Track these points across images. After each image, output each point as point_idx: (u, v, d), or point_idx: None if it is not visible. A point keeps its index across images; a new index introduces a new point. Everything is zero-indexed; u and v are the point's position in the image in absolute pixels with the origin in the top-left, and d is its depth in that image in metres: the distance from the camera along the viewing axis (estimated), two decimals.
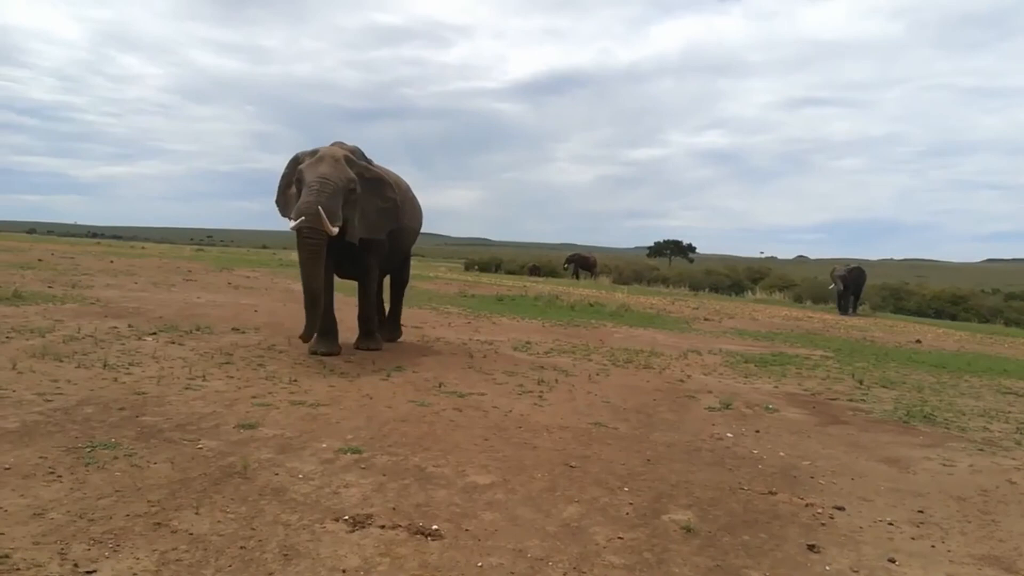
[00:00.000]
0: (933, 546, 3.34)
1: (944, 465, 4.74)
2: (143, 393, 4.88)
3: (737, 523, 3.46)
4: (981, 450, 5.21)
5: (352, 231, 6.91)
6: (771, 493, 3.93)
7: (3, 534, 2.70)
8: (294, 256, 6.78)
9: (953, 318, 26.74)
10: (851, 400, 6.88)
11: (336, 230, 6.55)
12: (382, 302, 8.43)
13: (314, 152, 7.01)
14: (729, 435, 5.17)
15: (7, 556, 2.53)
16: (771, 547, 3.20)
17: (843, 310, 20.80)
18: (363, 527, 3.05)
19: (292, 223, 6.54)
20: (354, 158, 7.09)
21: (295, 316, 6.85)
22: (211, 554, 2.70)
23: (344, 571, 2.66)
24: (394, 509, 3.27)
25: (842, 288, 20.67)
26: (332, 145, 7.19)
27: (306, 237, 6.49)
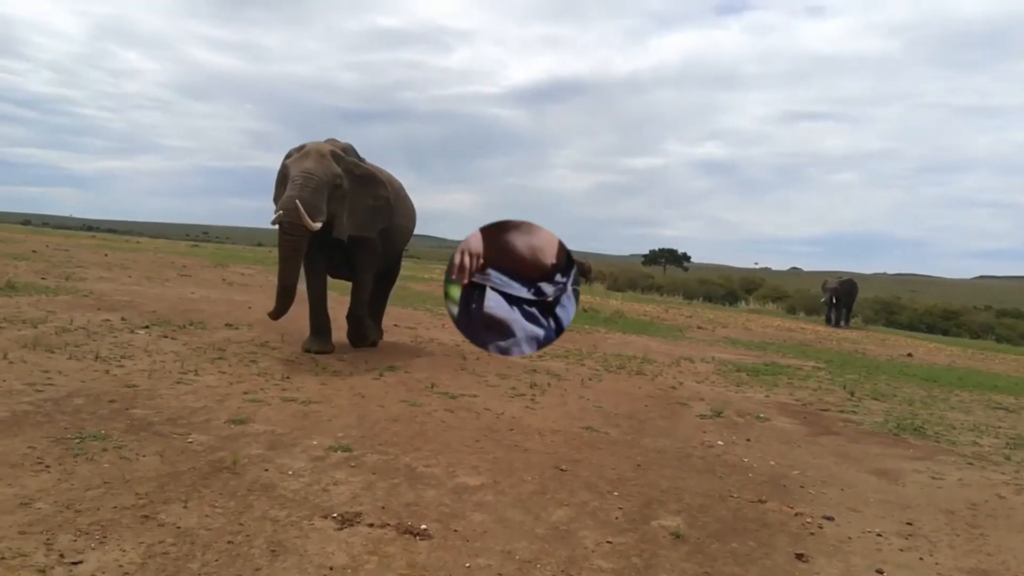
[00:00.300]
0: (921, 558, 3.35)
1: (933, 478, 4.75)
2: (134, 386, 4.86)
3: (726, 530, 3.46)
4: (970, 464, 5.23)
5: (340, 228, 6.81)
6: (760, 501, 3.93)
7: None
8: None
9: (945, 333, 26.89)
10: (842, 411, 6.90)
11: (318, 225, 6.40)
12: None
13: (301, 147, 6.91)
14: (720, 443, 5.17)
15: None
16: (759, 555, 3.20)
17: (832, 322, 20.85)
18: (351, 525, 3.04)
19: (272, 217, 6.47)
20: (342, 154, 6.94)
21: (289, 314, 6.83)
22: (198, 548, 2.68)
23: (331, 568, 2.65)
24: (383, 508, 3.26)
25: (833, 301, 20.74)
26: (323, 141, 7.08)
27: (285, 232, 6.39)
